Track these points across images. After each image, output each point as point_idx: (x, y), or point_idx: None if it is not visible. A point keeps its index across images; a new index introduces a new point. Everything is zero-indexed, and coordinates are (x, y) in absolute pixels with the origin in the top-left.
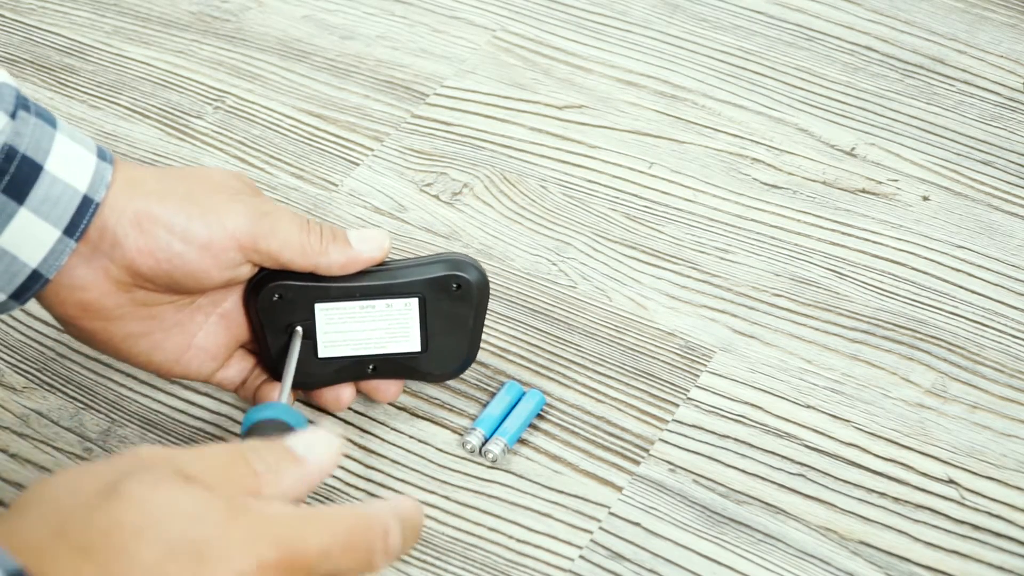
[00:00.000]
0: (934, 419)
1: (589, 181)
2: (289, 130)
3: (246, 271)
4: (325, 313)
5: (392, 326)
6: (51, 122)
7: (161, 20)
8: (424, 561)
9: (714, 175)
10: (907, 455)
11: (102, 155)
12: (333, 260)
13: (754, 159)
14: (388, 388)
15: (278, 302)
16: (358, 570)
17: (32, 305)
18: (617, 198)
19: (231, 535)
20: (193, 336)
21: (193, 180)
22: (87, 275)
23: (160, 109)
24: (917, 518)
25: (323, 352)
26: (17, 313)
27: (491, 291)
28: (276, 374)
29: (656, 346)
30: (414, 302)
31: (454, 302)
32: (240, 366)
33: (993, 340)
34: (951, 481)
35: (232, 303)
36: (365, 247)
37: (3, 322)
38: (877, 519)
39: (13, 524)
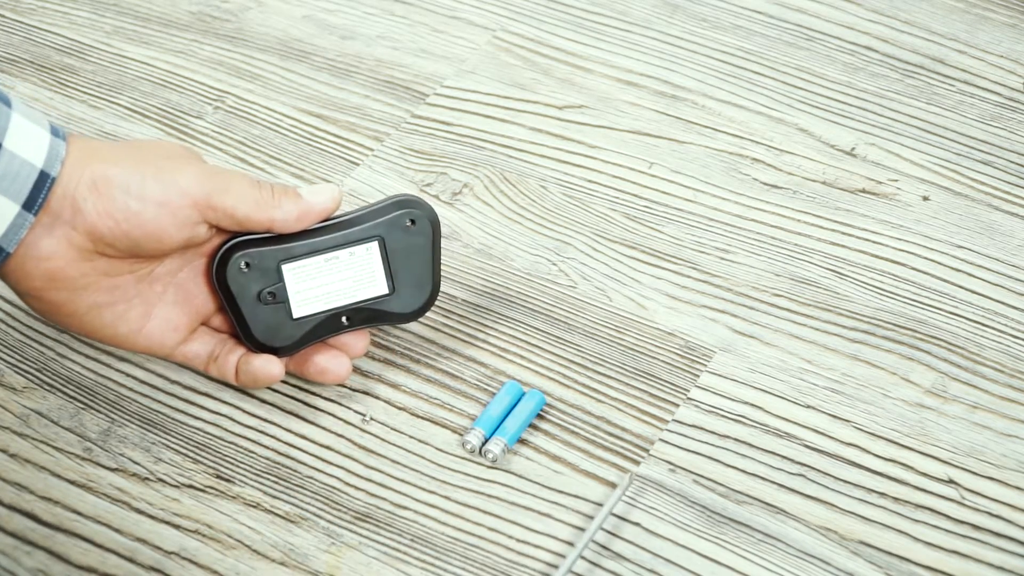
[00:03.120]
0: (934, 419)
1: (589, 181)
2: (289, 130)
3: (203, 231)
4: (292, 272)
5: (358, 273)
6: (6, 102)
7: (161, 20)
8: (424, 561)
9: (714, 175)
10: (907, 455)
11: (55, 132)
12: (288, 212)
13: (754, 159)
14: (356, 343)
15: (246, 271)
16: None
17: None
18: (617, 198)
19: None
20: (153, 306)
21: (146, 148)
22: (50, 244)
23: (160, 109)
24: (917, 518)
25: (297, 312)
26: (17, 313)
27: (491, 291)
28: (255, 346)
29: (656, 346)
30: (374, 245)
31: (411, 237)
32: (204, 340)
33: (993, 340)
34: (951, 481)
35: (187, 273)
36: (317, 198)
37: (3, 322)
38: (877, 519)
39: None
